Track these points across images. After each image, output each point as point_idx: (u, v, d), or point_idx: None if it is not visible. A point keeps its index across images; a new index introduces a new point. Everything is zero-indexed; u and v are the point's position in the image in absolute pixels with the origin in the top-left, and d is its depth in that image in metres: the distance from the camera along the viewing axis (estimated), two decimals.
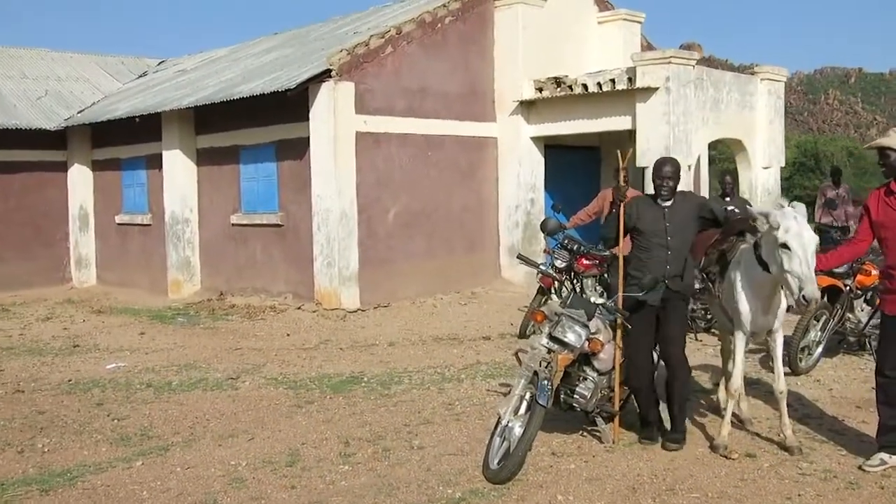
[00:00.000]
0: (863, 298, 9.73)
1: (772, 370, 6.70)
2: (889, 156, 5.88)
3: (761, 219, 5.98)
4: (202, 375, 9.78)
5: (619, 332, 6.52)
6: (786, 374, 8.61)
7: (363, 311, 14.10)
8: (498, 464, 5.88)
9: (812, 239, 5.81)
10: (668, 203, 6.49)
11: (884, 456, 6.08)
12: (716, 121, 14.89)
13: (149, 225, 18.36)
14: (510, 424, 5.92)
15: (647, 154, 14.20)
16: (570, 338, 6.13)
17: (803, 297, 5.67)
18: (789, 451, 6.32)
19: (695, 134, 14.34)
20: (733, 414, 6.67)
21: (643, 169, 14.20)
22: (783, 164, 16.48)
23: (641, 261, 6.56)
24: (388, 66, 14.67)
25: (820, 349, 9.11)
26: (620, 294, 6.43)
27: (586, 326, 6.17)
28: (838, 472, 5.96)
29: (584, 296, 11.42)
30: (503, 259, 16.52)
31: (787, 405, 6.56)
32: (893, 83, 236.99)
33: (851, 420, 7.25)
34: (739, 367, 6.46)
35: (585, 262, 11.45)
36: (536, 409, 5.82)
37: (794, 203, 6.06)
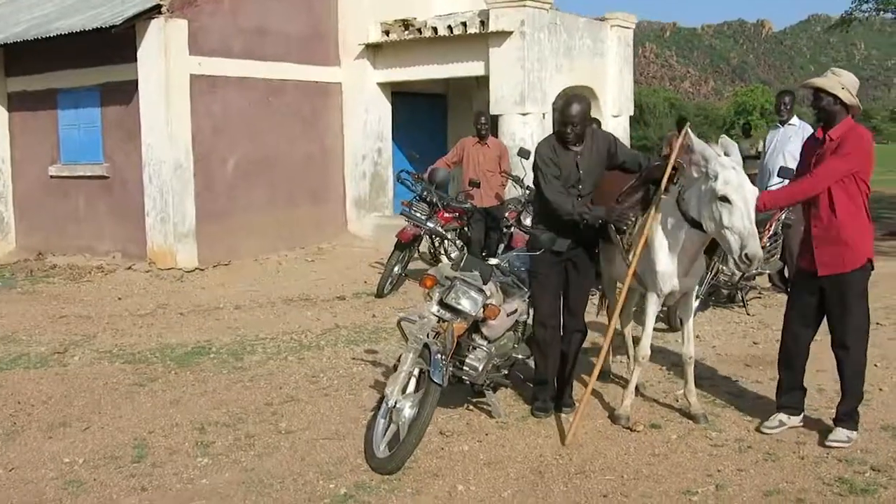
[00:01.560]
0: None
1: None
2: (822, 98, 5.44)
3: (694, 167, 5.42)
4: (22, 350, 8.59)
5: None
6: (663, 330, 8.40)
7: (202, 270, 13.04)
8: (385, 450, 5.18)
9: (753, 191, 5.27)
10: (578, 147, 5.92)
11: (782, 417, 5.77)
12: (569, 68, 14.50)
13: None
14: (399, 405, 5.21)
15: (500, 102, 13.69)
16: (466, 305, 5.46)
17: (745, 255, 5.14)
18: (694, 420, 5.89)
19: (549, 81, 13.90)
20: (616, 375, 6.23)
21: (497, 117, 13.67)
22: (632, 113, 16.34)
23: (549, 211, 5.97)
24: (224, 3, 13.46)
25: (696, 303, 8.78)
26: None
27: (482, 291, 5.51)
28: (751, 442, 5.56)
29: (443, 250, 10.90)
30: (350, 212, 15.73)
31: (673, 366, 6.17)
32: (705, 38, 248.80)
33: (745, 380, 6.92)
34: (649, 331, 5.94)
35: (445, 214, 10.84)
36: (431, 387, 5.13)
37: (723, 140, 5.51)
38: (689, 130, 5.47)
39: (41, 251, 14.83)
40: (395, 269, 10.84)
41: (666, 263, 5.74)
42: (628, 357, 6.89)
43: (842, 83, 5.40)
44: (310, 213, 15.15)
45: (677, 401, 6.35)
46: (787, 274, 9.81)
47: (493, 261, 5.75)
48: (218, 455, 5.55)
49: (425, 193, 10.77)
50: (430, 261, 11.14)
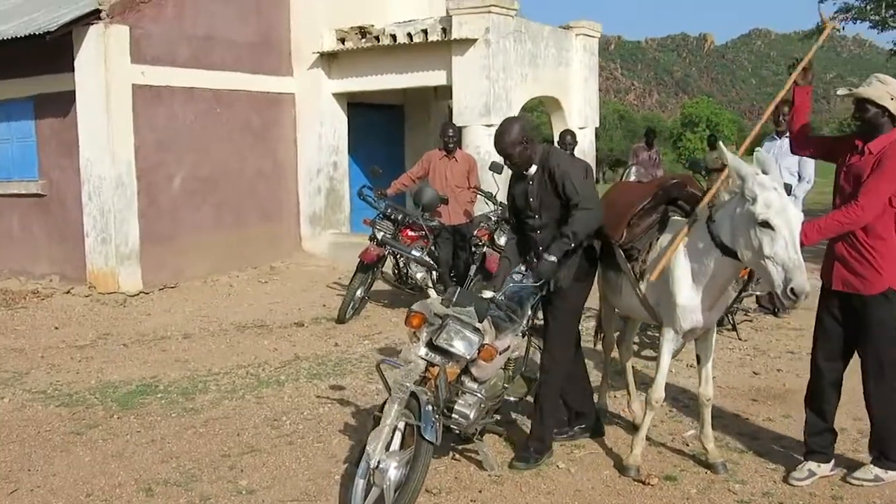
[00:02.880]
0: None
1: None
2: (868, 110, 4.81)
3: (730, 185, 4.72)
4: None
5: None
6: (651, 358, 7.74)
7: (146, 293, 12.14)
8: None
9: (798, 216, 4.55)
10: (531, 171, 5.32)
11: (812, 465, 5.14)
12: (534, 77, 13.88)
13: None
14: (382, 465, 4.43)
15: (464, 113, 13.02)
16: (460, 347, 4.72)
17: (791, 290, 4.46)
18: (713, 470, 5.20)
19: (514, 91, 13.26)
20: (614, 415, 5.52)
21: (461, 128, 12.98)
22: (598, 125, 15.76)
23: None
24: (168, 9, 12.58)
25: None
26: None
27: (478, 331, 4.77)
28: (781, 496, 4.90)
29: (409, 273, 10.15)
30: (304, 229, 14.90)
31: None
32: (649, 51, 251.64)
33: (756, 418, 6.26)
34: (664, 372, 5.22)
35: (410, 233, 10.10)
36: (423, 446, 4.37)
37: (760, 155, 4.77)
38: (722, 146, 4.80)
39: None
40: (358, 292, 10.07)
41: (689, 296, 5.01)
42: (628, 394, 6.20)
43: (890, 93, 4.77)
44: (262, 231, 14.31)
45: (687, 445, 5.68)
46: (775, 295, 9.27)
47: (487, 294, 4.99)
48: None
49: (389, 211, 10.04)
50: (395, 283, 10.39)
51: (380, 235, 9.84)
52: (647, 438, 5.67)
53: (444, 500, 4.90)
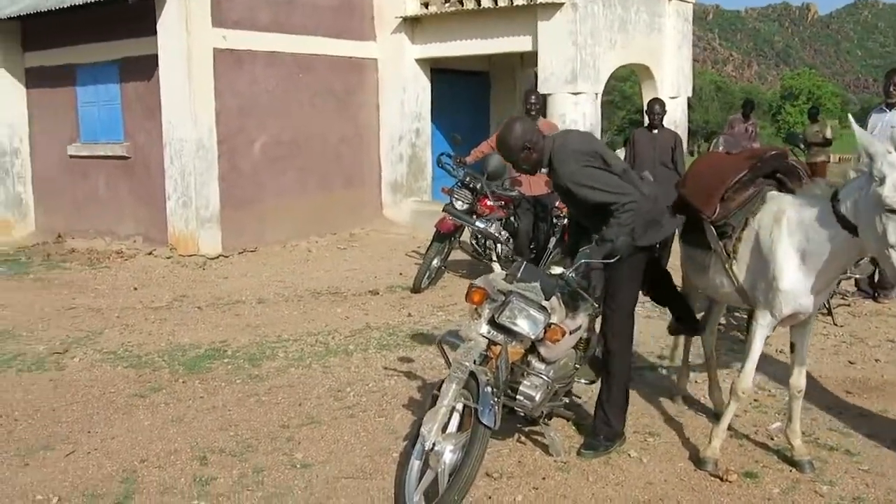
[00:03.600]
0: None
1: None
2: None
3: (860, 162, 4.19)
4: (20, 349, 7.71)
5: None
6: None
7: (226, 257, 12.16)
8: (420, 502, 4.19)
9: None
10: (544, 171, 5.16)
11: None
12: (624, 44, 13.38)
13: None
14: (437, 448, 4.19)
15: (549, 80, 12.64)
16: (524, 326, 4.42)
17: None
18: (798, 468, 4.78)
19: (602, 58, 12.80)
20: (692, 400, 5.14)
21: (545, 96, 12.62)
22: (690, 94, 15.17)
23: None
24: None
25: None
26: None
27: (544, 309, 4.45)
28: (870, 499, 4.49)
29: (487, 244, 9.87)
30: (385, 196, 14.75)
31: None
32: (749, 21, 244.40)
33: (849, 412, 5.79)
34: (754, 359, 4.74)
35: (489, 202, 9.81)
36: (479, 430, 4.11)
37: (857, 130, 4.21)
38: (852, 119, 4.34)
39: (61, 234, 14.09)
40: (434, 261, 9.84)
41: (795, 279, 4.51)
42: (710, 381, 5.82)
43: None
44: (343, 197, 14.20)
45: (772, 439, 5.27)
46: (876, 279, 8.71)
47: (557, 270, 4.67)
48: (219, 496, 4.59)
49: (468, 179, 9.75)
50: (473, 253, 10.13)
51: (458, 205, 9.57)
52: (729, 429, 5.31)
53: (504, 486, 4.64)
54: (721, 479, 4.67)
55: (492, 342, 4.44)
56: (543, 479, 4.72)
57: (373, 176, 14.71)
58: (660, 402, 5.96)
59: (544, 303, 4.45)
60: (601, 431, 5.04)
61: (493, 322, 4.44)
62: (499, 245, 9.67)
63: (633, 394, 6.06)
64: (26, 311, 9.26)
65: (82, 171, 13.81)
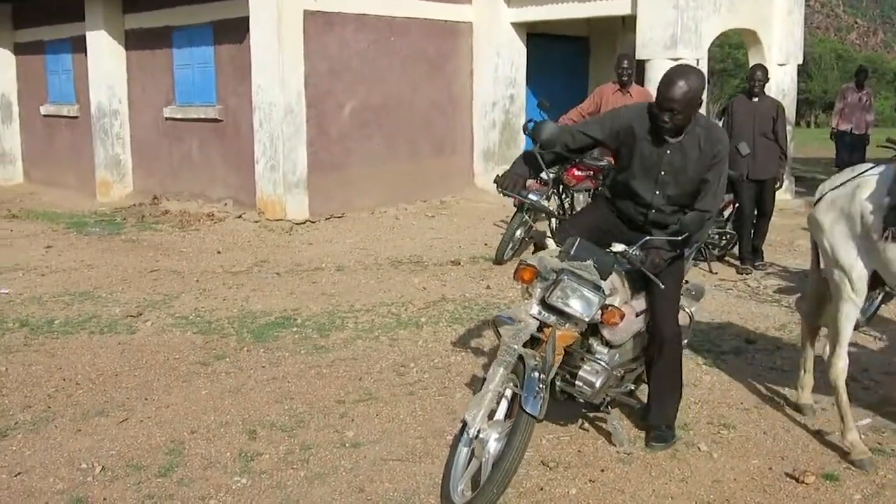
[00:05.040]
0: None
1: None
2: None
3: None
4: (96, 310, 7.74)
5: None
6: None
7: (313, 222, 12.07)
8: (464, 492, 3.93)
9: None
10: (677, 139, 4.46)
11: None
12: (730, 7, 12.66)
13: (76, 117, 15.98)
14: (483, 435, 3.93)
15: (648, 45, 12.07)
16: (576, 307, 4.07)
17: None
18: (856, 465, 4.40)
19: (706, 22, 12.15)
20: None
21: (644, 62, 12.08)
22: (801, 62, 14.32)
23: None
24: None
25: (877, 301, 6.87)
26: None
27: (599, 289, 4.10)
28: None
29: (574, 214, 9.45)
30: (477, 164, 14.43)
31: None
32: None
33: None
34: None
35: (577, 172, 9.41)
36: (522, 418, 3.82)
37: None
38: None
39: (157, 195, 14.23)
40: (518, 232, 9.51)
41: None
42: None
43: None
44: (433, 164, 13.94)
45: (862, 436, 4.81)
46: None
47: (618, 247, 4.31)
48: (261, 474, 4.43)
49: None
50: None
51: (543, 174, 9.15)
52: (810, 426, 4.88)
53: (559, 477, 4.34)
54: (797, 481, 4.27)
55: (543, 324, 4.11)
56: (602, 471, 4.41)
57: (464, 143, 14.40)
58: (741, 391, 5.55)
59: (602, 283, 4.10)
60: (665, 421, 4.67)
61: (543, 302, 4.12)
62: (552, 220, 9.22)
63: (710, 381, 5.72)
64: (110, 273, 9.33)
65: (177, 134, 13.91)
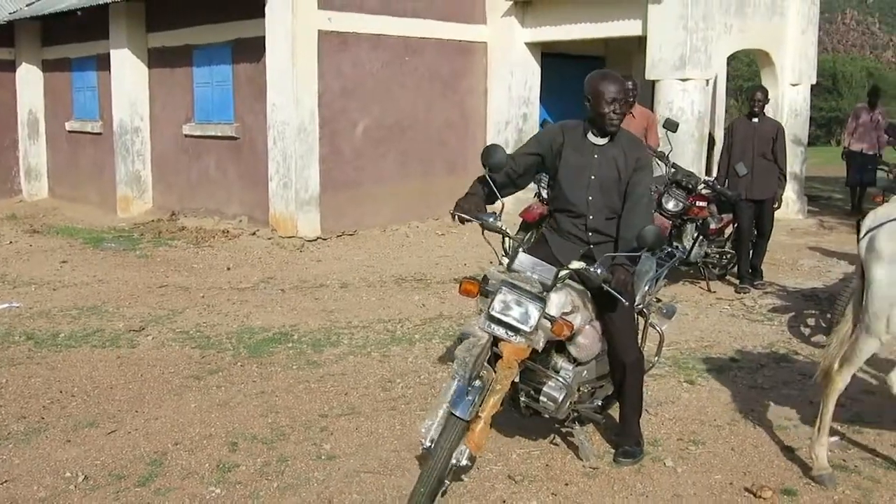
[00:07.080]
0: None
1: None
2: None
3: None
4: (101, 325, 7.95)
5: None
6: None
7: (324, 239, 12.25)
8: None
9: None
10: (605, 140, 4.75)
11: None
12: (740, 28, 12.73)
13: (99, 133, 16.35)
14: (434, 446, 4.04)
15: (657, 66, 12.15)
16: (516, 317, 4.14)
17: None
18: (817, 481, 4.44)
19: (715, 43, 12.22)
20: None
21: (653, 82, 12.17)
22: (814, 82, 14.33)
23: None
24: None
25: None
26: None
27: (539, 299, 4.17)
28: None
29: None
30: None
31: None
32: None
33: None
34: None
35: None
36: (449, 421, 3.95)
37: None
38: None
39: (175, 212, 14.50)
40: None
41: None
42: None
43: None
44: (446, 182, 14.04)
45: (831, 451, 4.85)
46: None
47: (575, 265, 4.32)
48: (236, 484, 4.58)
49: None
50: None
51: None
52: (778, 441, 4.94)
53: (523, 490, 4.44)
54: (755, 495, 4.34)
55: (495, 339, 4.20)
56: (566, 484, 4.51)
57: (477, 162, 14.38)
58: (717, 408, 5.62)
59: (547, 294, 4.17)
60: (633, 438, 4.77)
61: (489, 316, 4.22)
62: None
63: (688, 398, 5.79)
64: (120, 288, 9.55)
65: (196, 151, 14.18)
